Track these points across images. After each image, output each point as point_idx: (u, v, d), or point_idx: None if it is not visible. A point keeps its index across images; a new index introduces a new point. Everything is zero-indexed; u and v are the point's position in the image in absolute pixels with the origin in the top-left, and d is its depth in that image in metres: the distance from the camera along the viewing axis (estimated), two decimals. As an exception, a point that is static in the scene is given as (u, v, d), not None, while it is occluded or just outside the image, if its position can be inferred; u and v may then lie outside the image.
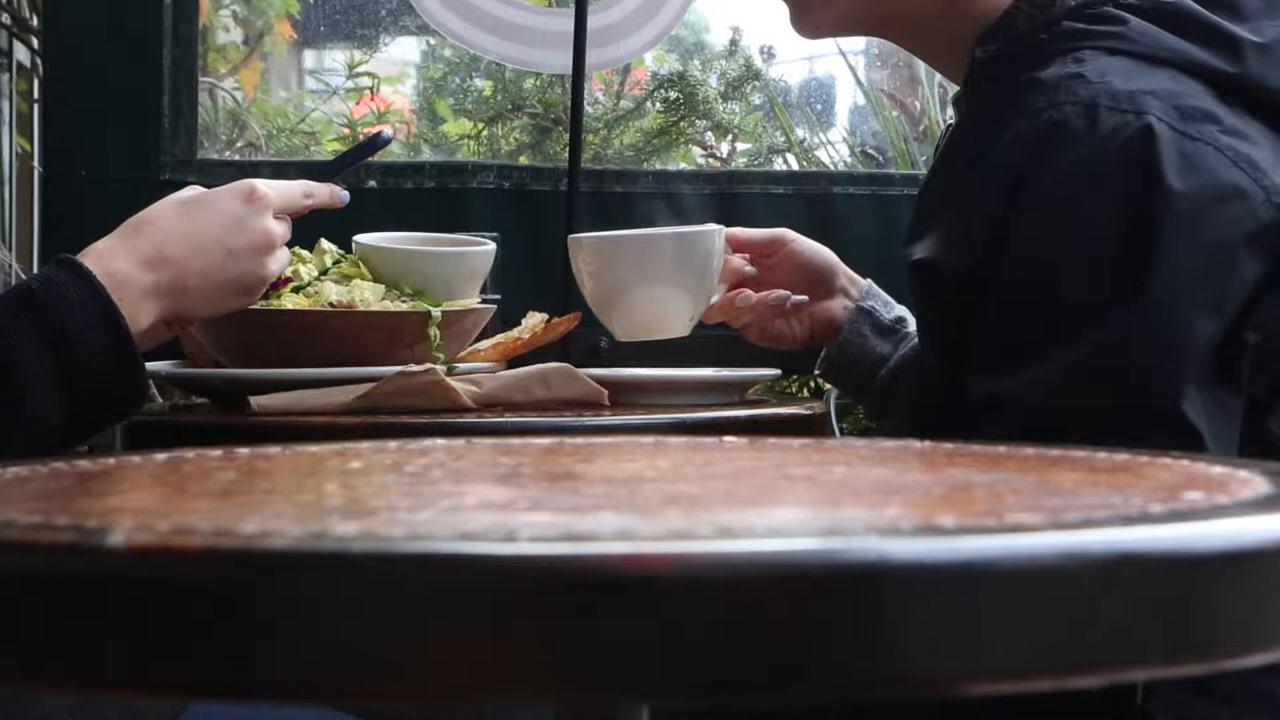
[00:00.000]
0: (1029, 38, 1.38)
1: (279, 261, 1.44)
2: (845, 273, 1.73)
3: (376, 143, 1.71)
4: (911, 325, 1.69)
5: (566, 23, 2.52)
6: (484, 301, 1.75)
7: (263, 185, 1.43)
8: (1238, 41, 1.33)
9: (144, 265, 1.36)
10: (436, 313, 1.61)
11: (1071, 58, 1.33)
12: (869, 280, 1.74)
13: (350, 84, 3.68)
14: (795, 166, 3.45)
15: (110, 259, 1.34)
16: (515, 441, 0.93)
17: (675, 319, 1.65)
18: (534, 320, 1.77)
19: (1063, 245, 1.28)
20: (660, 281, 1.62)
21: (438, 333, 1.60)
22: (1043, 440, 1.20)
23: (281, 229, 1.44)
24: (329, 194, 1.52)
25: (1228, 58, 1.33)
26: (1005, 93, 1.35)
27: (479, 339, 1.75)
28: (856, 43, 3.48)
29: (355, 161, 1.69)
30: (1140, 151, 1.25)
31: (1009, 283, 1.30)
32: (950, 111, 1.59)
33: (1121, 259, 1.25)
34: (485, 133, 3.36)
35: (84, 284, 1.30)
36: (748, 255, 1.71)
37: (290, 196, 1.46)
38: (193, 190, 1.44)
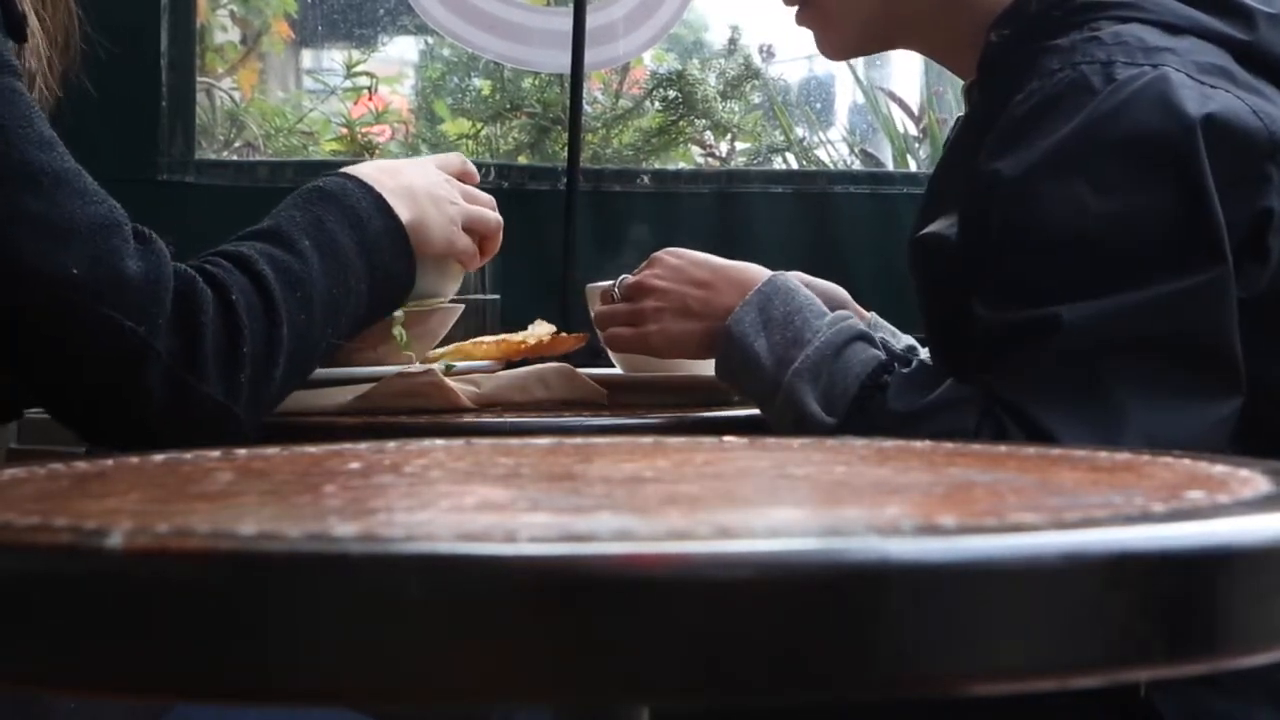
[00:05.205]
0: (1042, 17, 1.38)
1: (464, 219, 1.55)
2: (854, 308, 1.73)
3: None
4: (922, 353, 1.69)
5: (565, 22, 2.52)
6: (484, 302, 1.75)
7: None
8: (1250, 11, 1.35)
9: (383, 173, 1.49)
10: (399, 313, 1.58)
11: (1087, 27, 1.34)
12: (874, 313, 1.74)
13: (348, 84, 3.67)
14: (795, 166, 3.45)
15: (355, 170, 1.47)
16: (515, 442, 0.92)
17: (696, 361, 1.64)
18: (541, 329, 1.75)
19: (1089, 189, 1.26)
20: None
21: (403, 332, 1.58)
22: (1078, 371, 1.20)
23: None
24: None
25: (1241, 26, 1.34)
26: (1020, 64, 1.35)
27: (480, 336, 1.74)
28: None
29: None
30: (1159, 90, 1.26)
31: (1021, 228, 1.28)
32: (964, 106, 1.60)
33: (1165, 200, 1.25)
34: (484, 132, 3.36)
35: (353, 181, 1.45)
36: None
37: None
38: None
